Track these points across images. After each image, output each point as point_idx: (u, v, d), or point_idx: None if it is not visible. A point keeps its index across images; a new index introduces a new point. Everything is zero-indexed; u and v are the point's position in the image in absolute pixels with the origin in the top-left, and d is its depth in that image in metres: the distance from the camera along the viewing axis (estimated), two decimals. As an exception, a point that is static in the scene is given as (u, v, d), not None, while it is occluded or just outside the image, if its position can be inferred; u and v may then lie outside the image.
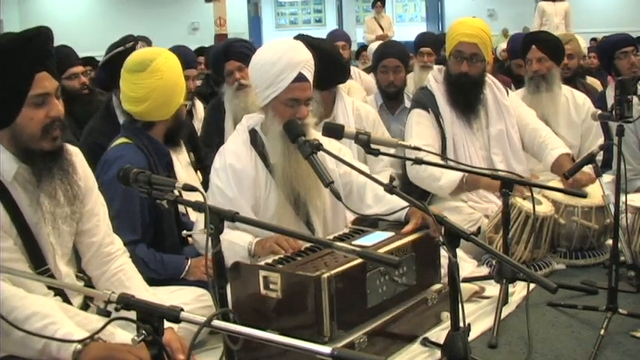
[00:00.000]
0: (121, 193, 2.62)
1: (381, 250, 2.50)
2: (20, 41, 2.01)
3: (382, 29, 11.51)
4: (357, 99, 4.33)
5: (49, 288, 2.14)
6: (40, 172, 2.08)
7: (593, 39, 10.95)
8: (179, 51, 5.15)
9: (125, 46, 3.45)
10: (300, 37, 3.30)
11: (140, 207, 2.75)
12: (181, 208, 3.17)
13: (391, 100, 4.76)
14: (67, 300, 2.19)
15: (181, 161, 3.50)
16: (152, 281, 2.51)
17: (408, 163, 3.74)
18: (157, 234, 2.84)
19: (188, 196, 1.97)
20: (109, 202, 2.45)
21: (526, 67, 4.45)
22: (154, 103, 2.80)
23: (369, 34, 11.51)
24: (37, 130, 2.03)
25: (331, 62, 3.81)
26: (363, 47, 10.05)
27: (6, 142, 2.06)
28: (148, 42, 3.51)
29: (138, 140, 2.85)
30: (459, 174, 3.52)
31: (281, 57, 2.73)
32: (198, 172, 3.73)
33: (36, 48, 2.03)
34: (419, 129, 3.75)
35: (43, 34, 2.05)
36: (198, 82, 5.51)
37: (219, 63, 4.31)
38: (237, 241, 2.70)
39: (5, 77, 1.98)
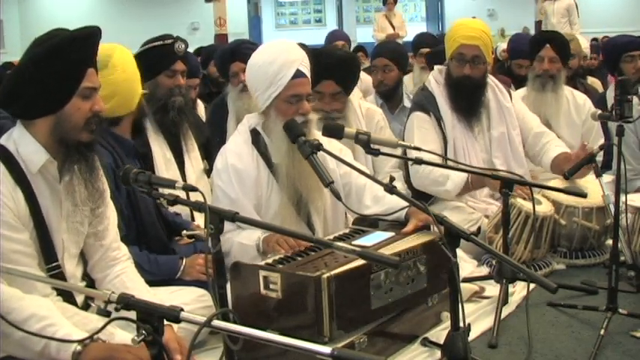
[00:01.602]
0: None
1: (388, 251, 2.49)
2: (77, 36, 2.09)
3: (393, 28, 10.74)
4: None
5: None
6: (66, 168, 2.11)
7: (594, 39, 10.87)
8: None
9: (164, 41, 3.40)
10: (323, 50, 3.31)
11: (116, 203, 2.72)
12: (185, 209, 3.17)
13: (388, 99, 4.75)
14: (71, 298, 2.19)
15: (195, 167, 3.50)
16: (150, 283, 2.50)
17: (411, 170, 3.74)
18: (139, 229, 2.83)
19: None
20: None
21: (534, 64, 4.39)
22: (122, 97, 2.82)
23: (378, 33, 10.74)
24: (80, 121, 2.09)
25: (357, 66, 3.87)
26: (361, 48, 9.93)
27: (41, 132, 2.09)
28: (185, 44, 3.45)
29: (101, 139, 2.85)
30: (464, 175, 3.52)
31: (277, 57, 2.77)
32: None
33: (89, 45, 2.13)
34: (421, 133, 3.72)
35: (95, 34, 2.13)
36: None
37: (225, 63, 4.30)
38: (246, 242, 2.75)
39: (64, 66, 2.05)
